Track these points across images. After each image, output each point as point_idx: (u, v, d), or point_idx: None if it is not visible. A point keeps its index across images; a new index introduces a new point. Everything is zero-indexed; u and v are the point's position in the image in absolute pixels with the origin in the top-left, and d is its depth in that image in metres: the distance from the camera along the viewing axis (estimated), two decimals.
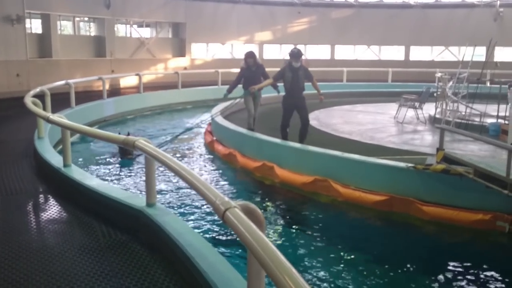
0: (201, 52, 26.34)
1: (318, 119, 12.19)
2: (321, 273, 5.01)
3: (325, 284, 4.75)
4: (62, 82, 12.22)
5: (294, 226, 6.34)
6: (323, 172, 7.39)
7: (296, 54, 8.42)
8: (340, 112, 13.84)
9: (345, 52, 27.29)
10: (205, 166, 9.59)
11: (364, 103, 15.51)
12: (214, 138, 10.72)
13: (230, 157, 9.29)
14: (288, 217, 6.78)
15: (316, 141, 8.58)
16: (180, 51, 25.06)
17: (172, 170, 3.33)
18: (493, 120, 10.35)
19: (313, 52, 27.24)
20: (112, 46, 22.01)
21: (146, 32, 24.87)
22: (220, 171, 9.17)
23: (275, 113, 13.55)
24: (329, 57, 26.75)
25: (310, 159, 7.77)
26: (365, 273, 5.06)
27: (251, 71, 9.66)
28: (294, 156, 8.06)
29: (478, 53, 12.84)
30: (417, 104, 11.91)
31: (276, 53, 27.07)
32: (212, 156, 10.23)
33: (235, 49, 26.72)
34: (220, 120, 10.85)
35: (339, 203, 7.02)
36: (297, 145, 8.19)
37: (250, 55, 9.71)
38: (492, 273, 5.08)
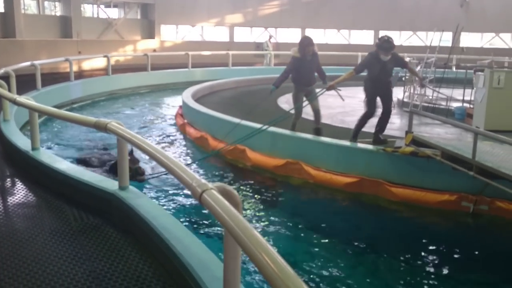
0: (171, 34, 25.96)
1: (289, 102, 12.20)
2: (293, 254, 5.09)
3: (297, 265, 4.83)
4: (27, 63, 11.86)
5: (266, 209, 6.39)
6: (294, 155, 7.45)
7: (386, 47, 7.04)
8: None
9: (316, 36, 27.36)
10: (177, 149, 9.53)
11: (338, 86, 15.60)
12: (186, 121, 10.64)
13: (201, 140, 9.26)
14: (260, 199, 6.83)
15: (289, 124, 8.61)
16: (149, 33, 24.64)
17: (146, 153, 3.31)
18: (459, 104, 10.62)
19: (284, 35, 27.22)
20: (79, 26, 21.46)
21: (114, 13, 24.31)
22: (192, 155, 9.13)
23: (246, 97, 13.60)
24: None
25: (282, 142, 7.82)
26: (335, 253, 5.17)
27: (306, 61, 7.90)
28: (265, 139, 8.08)
29: (445, 39, 13.08)
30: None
31: (247, 36, 26.92)
32: (183, 139, 10.17)
33: (206, 31, 26.43)
34: (191, 103, 10.77)
35: (310, 185, 7.11)
36: (268, 128, 8.20)
37: (310, 42, 7.90)
38: (457, 251, 5.27)
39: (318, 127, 8.03)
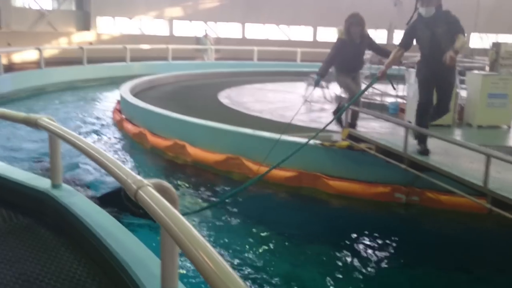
0: (108, 26, 25.20)
1: (229, 97, 12.24)
2: (233, 249, 5.11)
3: (236, 260, 4.86)
4: None
5: (206, 204, 6.37)
6: (235, 150, 7.47)
7: None
8: (251, 90, 14.00)
9: (256, 31, 27.51)
10: (114, 145, 9.28)
11: (274, 82, 15.80)
12: (123, 117, 10.38)
13: (140, 136, 9.07)
14: (201, 195, 6.80)
15: (228, 119, 8.62)
16: (85, 25, 23.80)
17: (80, 149, 3.19)
18: (393, 99, 11.05)
19: (225, 30, 27.15)
20: (9, 17, 20.35)
21: (47, 3, 23.24)
22: (130, 151, 8.94)
23: (187, 91, 13.47)
24: (241, 36, 26.83)
25: (222, 137, 7.81)
26: (275, 246, 5.25)
27: (354, 45, 6.64)
28: (206, 135, 8.05)
29: (380, 36, 13.56)
30: (324, 83, 12.35)
31: (187, 30, 26.61)
32: (121, 136, 9.92)
33: (144, 24, 25.87)
34: (129, 97, 10.51)
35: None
36: (208, 123, 8.16)
37: (355, 21, 6.62)
38: (391, 240, 5.51)
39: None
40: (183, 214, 2.07)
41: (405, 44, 5.63)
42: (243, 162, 7.26)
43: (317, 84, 7.04)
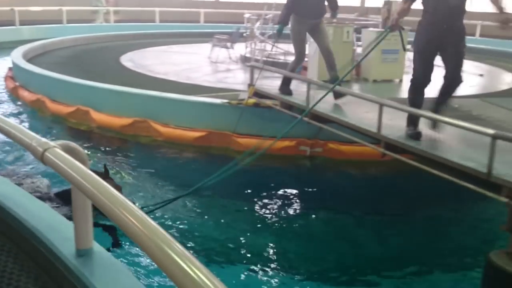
0: None
1: (132, 60, 11.88)
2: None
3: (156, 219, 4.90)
4: None
5: (118, 169, 6.28)
6: (142, 113, 7.36)
7: None
8: (155, 53, 13.68)
9: None
10: (10, 114, 8.70)
11: (178, 44, 15.54)
12: (17, 84, 9.72)
13: (38, 103, 8.58)
14: (110, 160, 6.67)
15: (133, 82, 8.42)
16: None
17: None
18: None
19: None
20: None
21: None
22: (29, 120, 8.45)
23: (85, 55, 12.82)
24: None
25: (127, 101, 7.63)
26: (188, 203, 5.35)
27: None
28: (110, 99, 7.82)
29: None
30: (228, 44, 12.39)
31: None
32: (17, 104, 9.31)
33: None
34: (23, 63, 9.83)
35: (160, 142, 7.14)
36: (113, 87, 7.91)
37: None
38: (297, 190, 5.87)
39: (334, 74, 6.10)
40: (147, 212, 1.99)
41: None
42: (151, 125, 7.19)
43: (279, 34, 6.37)
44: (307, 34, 6.48)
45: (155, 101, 7.40)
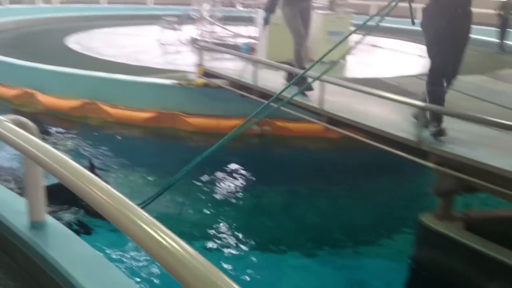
0: None
1: (79, 43, 11.64)
2: None
3: None
4: None
5: (67, 150, 6.27)
6: (91, 95, 7.32)
7: None
8: (102, 35, 13.42)
9: None
10: None
11: (126, 26, 15.28)
12: None
13: None
14: (59, 143, 6.63)
15: (80, 65, 8.30)
16: None
17: None
18: (244, 40, 11.51)
19: None
20: None
21: None
22: None
23: (29, 38, 12.42)
24: None
25: (76, 83, 7.56)
26: (141, 181, 5.45)
27: None
28: (58, 81, 7.71)
29: None
30: (178, 26, 12.35)
31: None
32: None
33: None
34: None
35: (110, 123, 7.14)
36: (60, 68, 7.78)
37: None
38: (248, 166, 6.07)
39: (299, 64, 5.71)
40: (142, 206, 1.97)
41: None
42: (100, 107, 7.17)
43: (266, 22, 6.05)
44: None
45: (105, 82, 7.37)
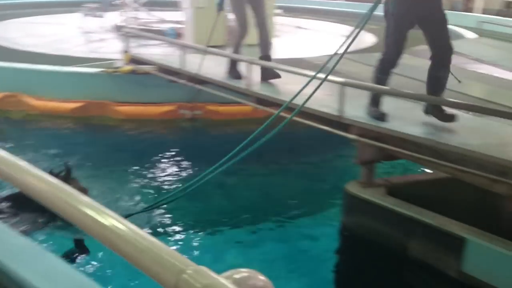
0: None
1: (7, 40, 11.00)
2: None
3: None
4: None
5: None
6: (11, 88, 7.01)
7: None
8: (18, 25, 12.76)
9: None
10: None
11: (44, 15, 14.60)
12: None
13: None
14: None
15: None
16: None
17: None
18: (170, 25, 11.40)
19: None
20: None
21: None
22: None
23: None
24: None
25: None
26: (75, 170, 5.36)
27: None
28: None
29: None
30: (100, 13, 11.99)
31: None
32: None
33: None
34: None
35: (34, 116, 6.89)
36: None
37: None
38: (181, 151, 6.12)
39: (266, 55, 5.46)
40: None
41: None
42: (23, 99, 6.90)
43: (220, 8, 5.56)
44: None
45: (26, 74, 7.09)
